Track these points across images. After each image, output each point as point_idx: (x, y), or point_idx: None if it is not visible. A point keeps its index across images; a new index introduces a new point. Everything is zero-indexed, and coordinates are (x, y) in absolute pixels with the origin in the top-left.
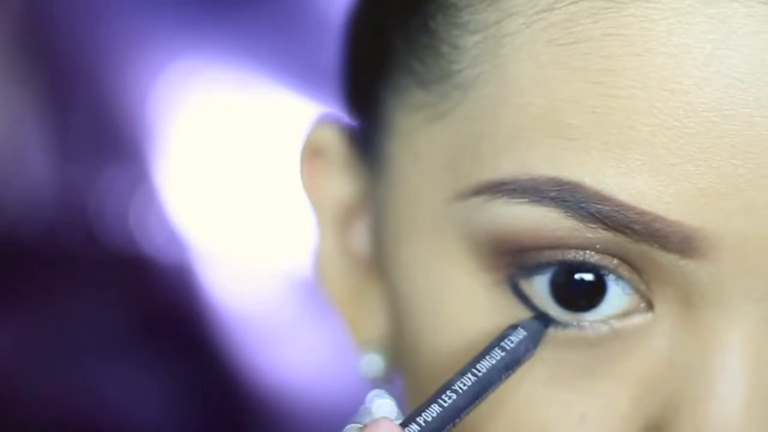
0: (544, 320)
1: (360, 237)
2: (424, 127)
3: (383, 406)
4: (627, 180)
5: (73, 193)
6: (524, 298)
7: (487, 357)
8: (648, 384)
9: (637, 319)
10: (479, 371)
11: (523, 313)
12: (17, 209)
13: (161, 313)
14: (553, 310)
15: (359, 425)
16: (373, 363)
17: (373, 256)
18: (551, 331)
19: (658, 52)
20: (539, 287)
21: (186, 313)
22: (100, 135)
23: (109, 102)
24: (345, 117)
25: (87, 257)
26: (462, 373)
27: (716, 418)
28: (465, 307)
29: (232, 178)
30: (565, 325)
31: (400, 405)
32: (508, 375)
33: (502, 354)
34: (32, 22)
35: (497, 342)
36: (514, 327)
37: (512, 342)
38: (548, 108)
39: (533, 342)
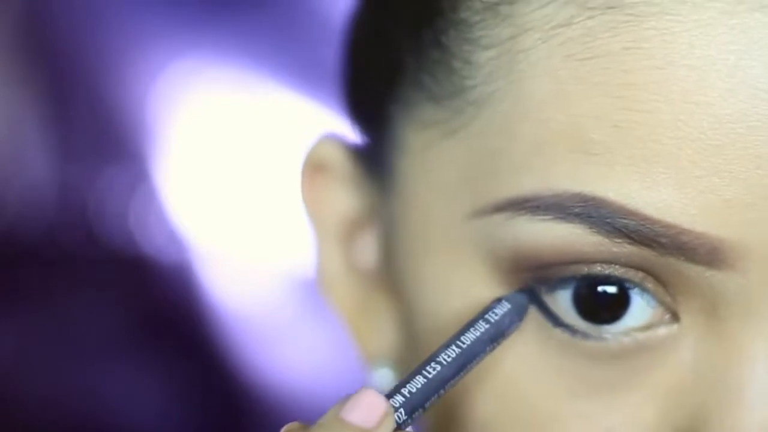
0: (528, 294)
1: (366, 251)
2: (436, 143)
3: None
4: (652, 194)
5: (73, 193)
6: (544, 308)
7: (472, 329)
8: (674, 396)
9: (662, 331)
10: (463, 343)
11: (544, 324)
12: (17, 209)
13: (161, 313)
14: (576, 322)
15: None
16: (385, 377)
17: (381, 269)
18: (575, 342)
19: (680, 64)
20: (562, 299)
21: (186, 313)
22: (100, 135)
23: (109, 102)
24: (347, 134)
25: (87, 257)
26: (446, 346)
27: (745, 427)
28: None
29: (232, 178)
30: (587, 337)
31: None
32: (493, 347)
33: (486, 326)
34: (32, 22)
35: (482, 315)
36: (498, 300)
37: (496, 314)
38: (569, 123)
39: (518, 315)
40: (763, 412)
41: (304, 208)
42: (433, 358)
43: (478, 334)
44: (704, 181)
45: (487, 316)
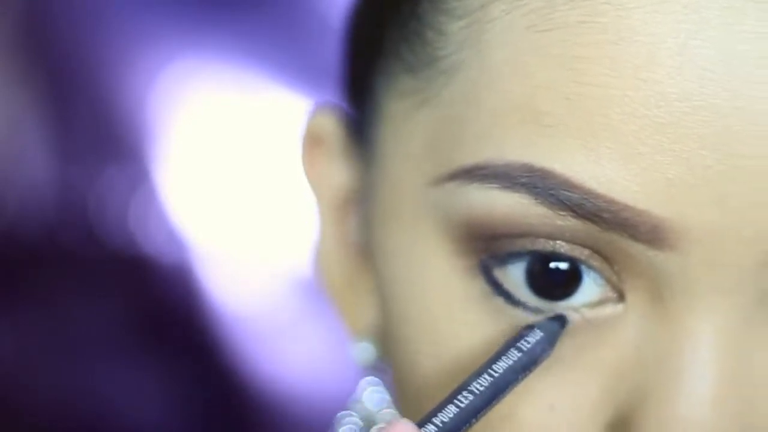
0: (560, 320)
1: (355, 225)
2: (411, 113)
3: (374, 394)
4: (597, 168)
5: (73, 193)
6: (495, 284)
7: (504, 358)
8: (617, 374)
9: (608, 310)
10: (496, 372)
11: (496, 300)
12: (17, 209)
13: (161, 313)
14: (528, 298)
15: (351, 414)
16: (365, 351)
17: (365, 243)
18: (525, 319)
19: (632, 40)
20: (514, 275)
21: (186, 313)
22: (100, 135)
23: (109, 102)
24: (343, 105)
25: (87, 257)
26: (478, 374)
27: (682, 413)
28: (441, 292)
29: (232, 178)
30: (538, 313)
31: (392, 393)
32: (525, 375)
33: (519, 355)
34: (32, 22)
35: (514, 342)
36: (530, 327)
37: (529, 343)
38: (525, 94)
39: (550, 342)
40: (700, 394)
41: (306, 181)
42: (465, 386)
43: (510, 362)
44: (648, 158)
45: (519, 344)
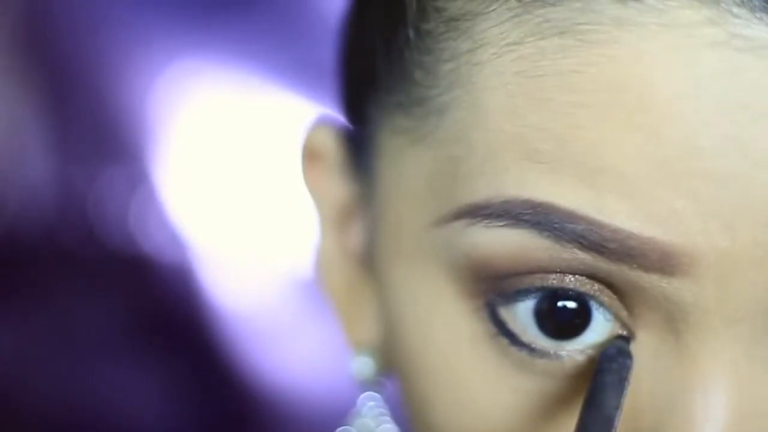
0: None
1: (357, 237)
2: (406, 150)
3: (374, 409)
4: (598, 200)
5: (73, 193)
6: (500, 325)
7: (602, 388)
8: (629, 417)
9: None
10: (603, 405)
11: (501, 340)
12: (17, 209)
13: (161, 313)
14: (535, 338)
15: (351, 429)
16: (365, 365)
17: (367, 259)
18: (531, 360)
19: (625, 89)
20: (522, 314)
21: (186, 313)
22: (100, 135)
23: (109, 102)
24: (342, 119)
25: (87, 257)
26: (590, 417)
27: None
28: (449, 334)
29: (232, 178)
30: (544, 355)
31: (392, 407)
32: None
33: (612, 379)
34: (32, 22)
35: (603, 372)
36: (605, 354)
37: (614, 365)
38: (517, 134)
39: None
40: None
41: (307, 192)
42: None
43: (609, 389)
44: (650, 192)
45: (607, 369)
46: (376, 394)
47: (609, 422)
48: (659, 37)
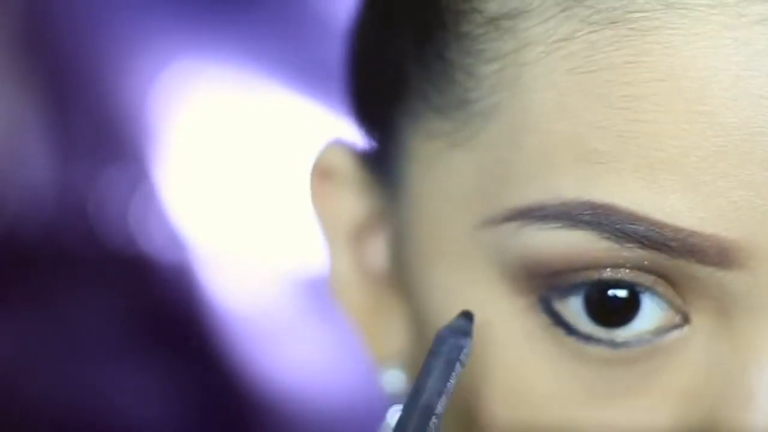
0: (467, 316)
1: (376, 254)
2: (443, 154)
3: None
4: (660, 199)
5: (73, 193)
6: (556, 317)
7: (430, 373)
8: (687, 398)
9: (673, 334)
10: (426, 389)
11: (555, 331)
12: (17, 209)
13: (161, 313)
14: (587, 327)
15: None
16: (395, 379)
17: (392, 273)
18: (587, 349)
19: (682, 76)
20: (573, 305)
21: (186, 314)
22: (100, 135)
23: (109, 102)
24: (355, 139)
25: (87, 257)
26: (415, 395)
27: (758, 429)
28: (502, 331)
29: (233, 178)
30: (599, 343)
31: None
32: (453, 378)
33: (441, 364)
34: (32, 22)
35: (434, 356)
36: (439, 336)
37: (445, 350)
38: (573, 134)
39: (465, 336)
40: None
41: (314, 214)
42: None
43: (436, 375)
44: (710, 185)
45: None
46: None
47: (428, 409)
48: (710, 18)
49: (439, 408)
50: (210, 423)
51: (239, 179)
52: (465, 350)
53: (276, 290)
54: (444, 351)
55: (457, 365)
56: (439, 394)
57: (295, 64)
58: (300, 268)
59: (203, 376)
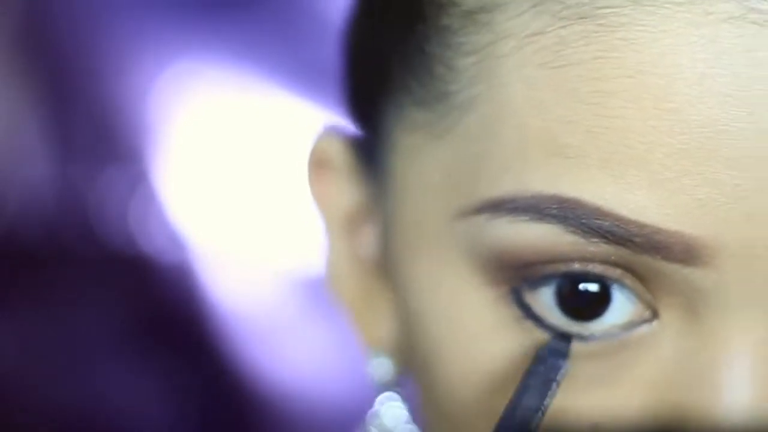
0: (566, 338)
1: (368, 242)
2: (425, 146)
3: (392, 410)
4: (626, 195)
5: (73, 193)
6: (526, 309)
7: (530, 389)
8: (656, 391)
9: (642, 329)
10: (526, 406)
11: (526, 324)
12: (17, 209)
13: (161, 313)
14: (559, 320)
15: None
16: (383, 366)
17: (381, 261)
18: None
19: (649, 73)
20: (544, 298)
21: (186, 314)
22: (100, 135)
23: (109, 102)
24: (349, 126)
25: (87, 257)
26: (513, 409)
27: (726, 424)
28: (473, 322)
29: (232, 178)
30: (566, 335)
31: (410, 408)
32: (551, 397)
33: (542, 383)
34: (32, 22)
35: (535, 372)
36: (541, 353)
37: (547, 368)
38: (543, 128)
39: (563, 358)
40: (740, 405)
41: (313, 202)
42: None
43: (537, 392)
44: (675, 182)
45: (538, 372)
46: (395, 395)
47: (524, 425)
48: (678, 15)
49: (535, 424)
50: (210, 422)
51: (239, 179)
52: (562, 371)
53: (276, 290)
54: (541, 371)
55: (554, 385)
56: (536, 412)
57: (294, 65)
58: (300, 267)
59: (203, 375)
